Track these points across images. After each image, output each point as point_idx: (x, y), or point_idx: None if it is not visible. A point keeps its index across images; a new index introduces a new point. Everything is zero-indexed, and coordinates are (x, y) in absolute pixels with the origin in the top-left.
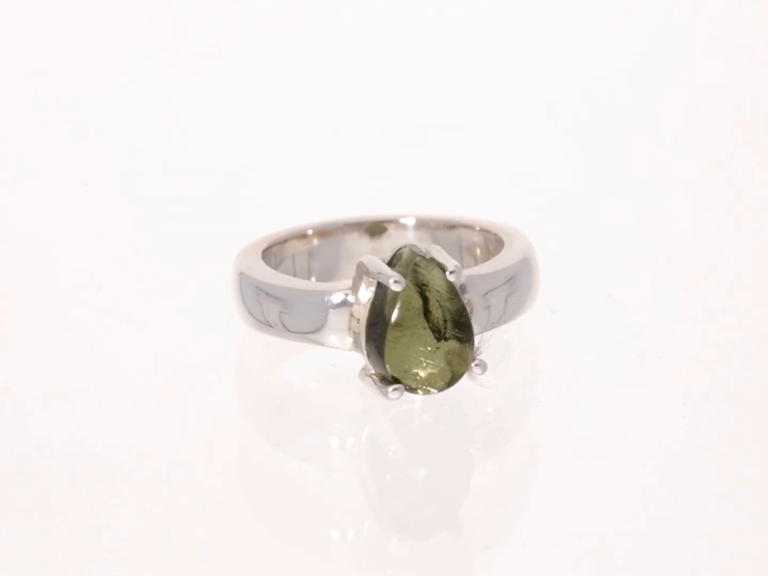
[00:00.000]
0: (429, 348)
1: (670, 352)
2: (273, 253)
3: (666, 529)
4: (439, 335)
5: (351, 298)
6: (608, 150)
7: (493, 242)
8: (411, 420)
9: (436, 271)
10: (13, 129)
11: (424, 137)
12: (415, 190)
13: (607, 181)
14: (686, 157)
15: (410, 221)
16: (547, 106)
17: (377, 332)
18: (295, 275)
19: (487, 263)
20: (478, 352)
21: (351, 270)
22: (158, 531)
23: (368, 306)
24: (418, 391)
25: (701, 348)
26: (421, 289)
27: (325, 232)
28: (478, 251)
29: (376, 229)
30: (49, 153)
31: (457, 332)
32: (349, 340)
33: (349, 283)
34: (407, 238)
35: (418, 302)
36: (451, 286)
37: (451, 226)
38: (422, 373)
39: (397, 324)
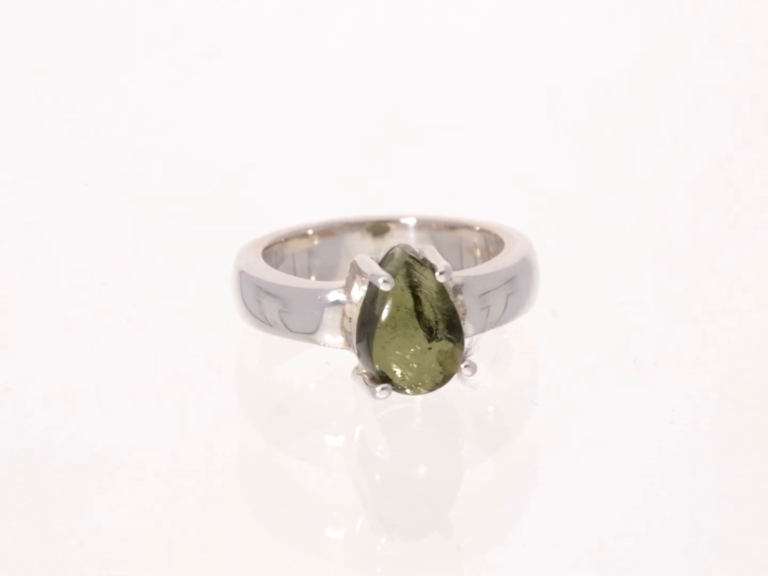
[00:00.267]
0: (420, 348)
1: (670, 353)
2: (273, 251)
3: (665, 529)
4: (430, 336)
5: (344, 297)
6: (608, 150)
7: (493, 243)
8: (409, 420)
9: (429, 272)
10: (13, 129)
11: (424, 137)
12: (415, 190)
13: (608, 181)
14: (686, 157)
15: (411, 221)
16: (547, 106)
17: (368, 331)
18: (295, 274)
19: (485, 264)
20: (468, 354)
21: None
22: (158, 531)
23: (360, 305)
24: (406, 390)
25: (701, 349)
26: (414, 289)
27: (326, 231)
28: (479, 252)
29: (379, 228)
30: (49, 153)
31: (448, 333)
32: (341, 338)
33: (343, 282)
34: (408, 238)
35: (410, 302)
36: (441, 287)
37: (452, 226)
38: (412, 373)
39: (387, 323)
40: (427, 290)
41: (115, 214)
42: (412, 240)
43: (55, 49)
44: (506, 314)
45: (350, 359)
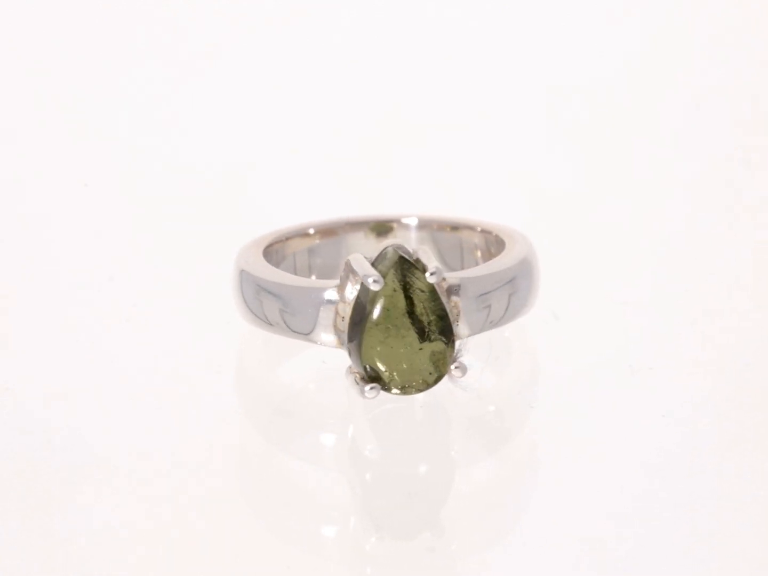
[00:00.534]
0: (411, 348)
1: (669, 353)
2: (275, 250)
3: (665, 529)
4: (422, 336)
5: (337, 296)
6: (608, 150)
7: (494, 244)
8: (401, 420)
9: (422, 273)
10: (13, 129)
11: (424, 137)
12: (415, 191)
13: (608, 181)
14: (686, 157)
15: (413, 221)
16: (547, 106)
17: (359, 331)
18: (296, 273)
19: (484, 265)
20: (458, 355)
21: None
22: (158, 531)
23: (352, 304)
24: (393, 390)
25: (701, 350)
26: (406, 290)
27: (327, 230)
28: (479, 253)
29: (382, 228)
30: (49, 153)
31: (440, 334)
32: (335, 337)
33: (338, 281)
34: (410, 238)
35: (402, 303)
36: (433, 288)
37: (453, 227)
38: (402, 374)
39: (377, 323)
40: (420, 291)
41: (116, 214)
42: (413, 240)
43: (55, 49)
44: (506, 315)
45: (347, 358)
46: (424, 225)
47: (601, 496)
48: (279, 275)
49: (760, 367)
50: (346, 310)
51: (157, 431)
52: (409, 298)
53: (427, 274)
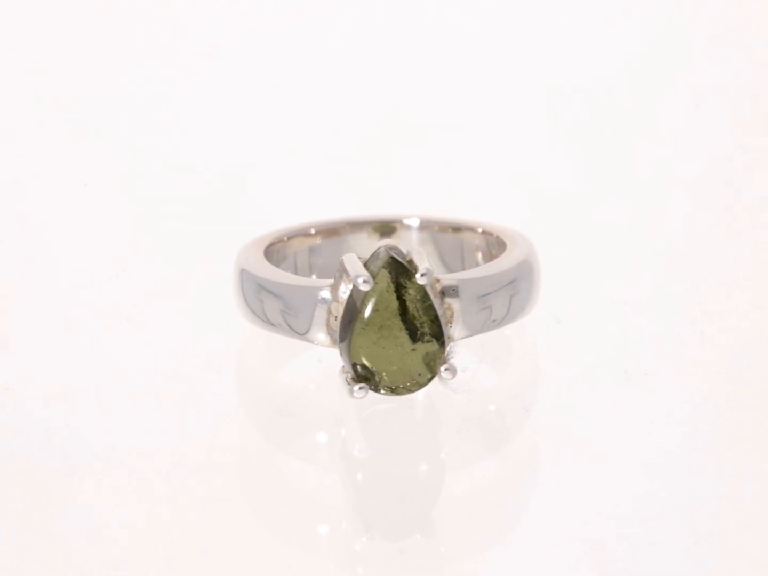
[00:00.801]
0: (403, 349)
1: (669, 354)
2: (276, 249)
3: (665, 530)
4: (414, 337)
5: (331, 296)
6: (609, 150)
7: (495, 245)
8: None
9: (413, 274)
10: (13, 129)
11: (425, 137)
12: (415, 191)
13: (608, 181)
14: (686, 157)
15: (414, 222)
16: (547, 106)
17: (350, 330)
18: (296, 272)
19: (483, 267)
20: (449, 357)
21: None
22: (158, 531)
23: (344, 304)
24: (381, 391)
25: (701, 350)
26: (399, 290)
27: (329, 230)
28: (480, 254)
29: (386, 228)
30: (49, 153)
31: (431, 336)
32: (328, 337)
33: (332, 281)
34: (411, 239)
35: (394, 304)
36: (423, 289)
37: (454, 228)
38: (391, 374)
39: (367, 323)
40: (412, 292)
41: (116, 214)
42: (414, 241)
43: (55, 49)
44: (507, 316)
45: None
46: (426, 226)
47: (600, 497)
48: (277, 274)
49: (760, 368)
50: (339, 310)
51: (157, 431)
52: (401, 299)
53: (418, 275)
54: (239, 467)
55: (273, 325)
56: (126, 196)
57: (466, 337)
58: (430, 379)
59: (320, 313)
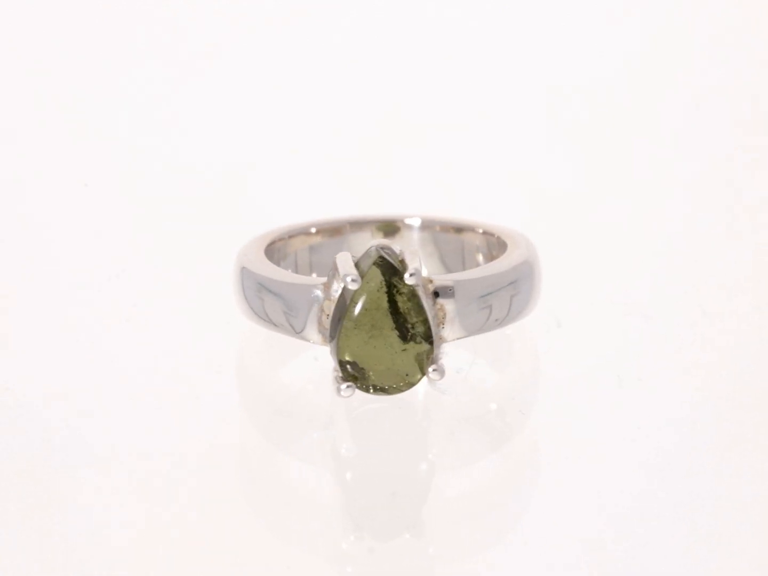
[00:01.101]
0: (393, 349)
1: (669, 353)
2: (277, 248)
3: (665, 529)
4: (405, 337)
5: (323, 294)
6: (609, 151)
7: (496, 246)
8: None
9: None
10: (13, 129)
11: (424, 137)
12: (415, 191)
13: (609, 182)
14: (686, 157)
15: (416, 222)
16: (547, 106)
17: (339, 328)
18: (296, 271)
19: (482, 267)
20: (438, 358)
21: None
22: (158, 530)
23: (335, 302)
24: (370, 389)
25: (701, 350)
26: (391, 290)
27: (330, 229)
28: (481, 255)
29: (389, 228)
30: (49, 153)
31: (422, 336)
32: (320, 335)
33: (326, 279)
34: (412, 239)
35: (385, 303)
36: (413, 289)
37: (455, 228)
38: (378, 373)
39: (355, 322)
40: (403, 292)
41: (115, 213)
42: (415, 241)
43: (55, 49)
44: (508, 317)
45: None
46: (427, 226)
47: (601, 497)
48: (275, 272)
49: (760, 368)
50: (331, 308)
51: (157, 431)
52: (392, 299)
53: (406, 275)
54: (239, 467)
55: (272, 322)
56: (126, 196)
57: (463, 337)
58: (419, 379)
59: (314, 311)
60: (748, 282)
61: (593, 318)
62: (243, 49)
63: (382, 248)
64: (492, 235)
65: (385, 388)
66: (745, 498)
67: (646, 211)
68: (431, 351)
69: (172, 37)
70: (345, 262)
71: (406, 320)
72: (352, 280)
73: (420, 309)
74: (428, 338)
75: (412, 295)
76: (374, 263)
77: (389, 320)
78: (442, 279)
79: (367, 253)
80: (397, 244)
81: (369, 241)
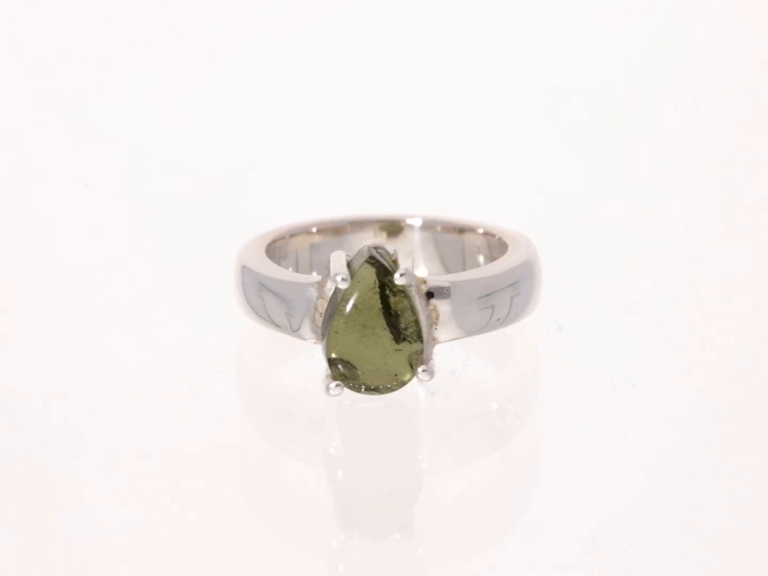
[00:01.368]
0: (384, 348)
1: (669, 354)
2: (277, 247)
3: (665, 529)
4: (398, 337)
5: (317, 292)
6: (609, 151)
7: (496, 247)
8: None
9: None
10: (13, 129)
11: (425, 137)
12: (415, 191)
13: (610, 182)
14: (686, 157)
15: (417, 222)
16: (548, 106)
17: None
18: (297, 270)
19: (481, 268)
20: (428, 358)
21: None
22: (158, 530)
23: (328, 301)
24: (361, 389)
25: (701, 350)
26: (383, 290)
27: (331, 229)
28: (482, 255)
29: (392, 228)
30: (49, 153)
31: (414, 336)
32: (314, 334)
33: (320, 277)
34: (413, 239)
35: (377, 303)
36: (404, 289)
37: (456, 228)
38: (369, 373)
39: (348, 321)
40: (395, 292)
41: (115, 213)
42: (416, 241)
43: (55, 48)
44: (508, 318)
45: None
46: (428, 226)
47: (601, 497)
48: (274, 271)
49: (760, 368)
50: (324, 306)
51: (157, 431)
52: (385, 299)
53: (396, 275)
54: (239, 467)
55: (271, 321)
56: (126, 195)
57: (460, 338)
58: (409, 379)
59: (309, 310)
60: (748, 282)
61: (593, 318)
62: (243, 49)
63: (375, 248)
64: (493, 235)
65: (377, 388)
66: (745, 498)
67: (646, 212)
68: (420, 352)
69: (172, 37)
70: (337, 261)
71: (398, 320)
72: (342, 279)
73: (412, 309)
74: (420, 339)
75: (405, 295)
76: (366, 263)
77: (381, 320)
78: (437, 280)
79: (359, 253)
80: (391, 245)
81: (372, 241)
